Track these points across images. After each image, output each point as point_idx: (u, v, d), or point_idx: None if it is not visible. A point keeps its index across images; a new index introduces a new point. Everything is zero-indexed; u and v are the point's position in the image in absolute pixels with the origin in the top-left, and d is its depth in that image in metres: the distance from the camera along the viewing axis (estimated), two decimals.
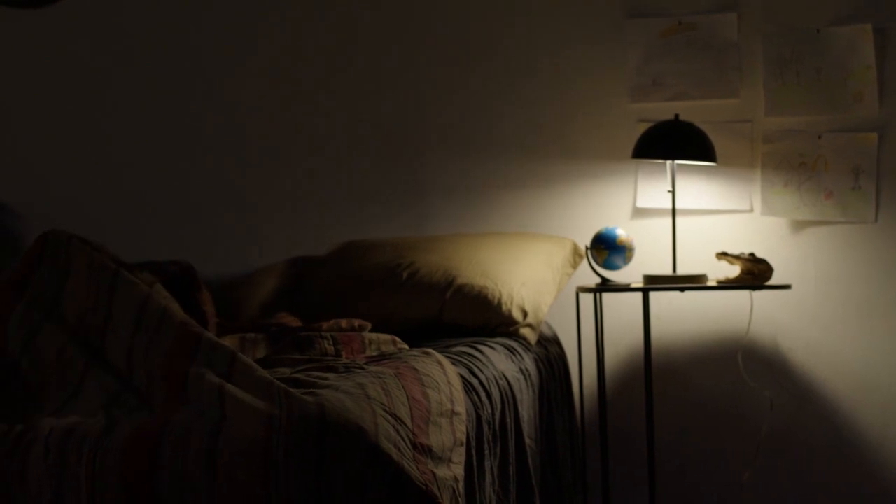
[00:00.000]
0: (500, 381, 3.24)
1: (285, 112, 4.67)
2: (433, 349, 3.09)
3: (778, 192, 4.29)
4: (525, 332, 3.87)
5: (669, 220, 4.18)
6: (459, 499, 2.50)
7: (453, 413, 2.70)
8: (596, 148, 4.43)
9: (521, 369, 3.53)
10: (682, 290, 4.05)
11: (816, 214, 4.26)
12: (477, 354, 3.36)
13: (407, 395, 2.57)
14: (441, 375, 2.82)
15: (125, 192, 4.76)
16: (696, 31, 4.35)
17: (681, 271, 4.13)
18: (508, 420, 3.20)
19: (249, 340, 3.30)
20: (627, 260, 4.07)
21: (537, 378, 3.69)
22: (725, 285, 4.01)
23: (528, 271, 4.02)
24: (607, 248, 4.05)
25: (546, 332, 4.18)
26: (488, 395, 3.07)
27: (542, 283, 4.03)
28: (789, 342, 4.33)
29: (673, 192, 4.13)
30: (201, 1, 4.71)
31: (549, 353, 4.02)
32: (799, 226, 4.31)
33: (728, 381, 4.33)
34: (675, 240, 4.12)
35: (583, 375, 4.31)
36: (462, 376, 2.99)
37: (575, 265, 4.24)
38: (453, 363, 3.05)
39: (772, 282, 4.00)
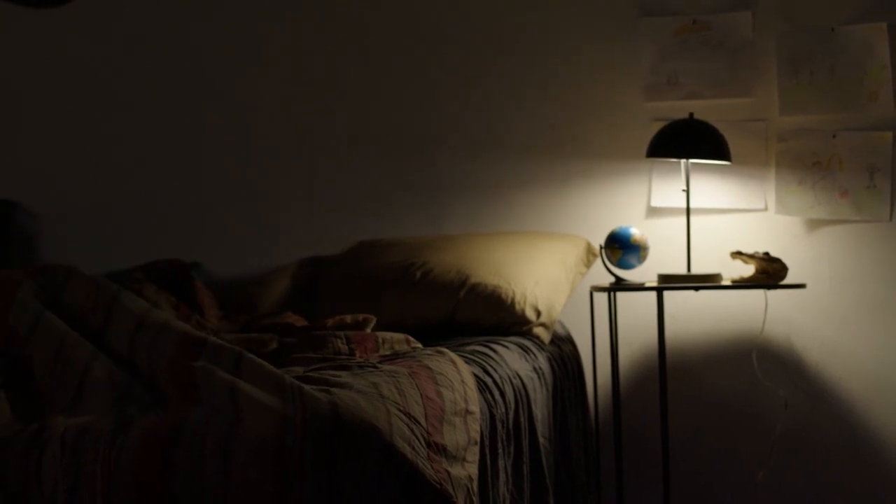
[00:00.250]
0: (514, 381, 3.24)
1: (298, 112, 4.67)
2: (447, 348, 3.09)
3: (792, 190, 4.28)
4: (539, 331, 3.87)
5: (684, 219, 4.17)
6: (474, 498, 2.50)
7: (467, 412, 2.70)
8: (610, 147, 4.42)
9: (534, 368, 3.53)
10: (696, 289, 4.04)
11: (831, 213, 4.24)
12: (490, 353, 3.36)
13: (421, 394, 2.57)
14: (455, 374, 2.82)
15: (137, 192, 4.76)
16: (710, 29, 4.34)
17: (695, 270, 4.12)
18: (522, 419, 3.19)
19: (255, 340, 3.29)
20: (642, 259, 4.07)
21: (551, 377, 3.69)
22: (740, 284, 4.00)
23: (542, 270, 4.02)
24: (621, 248, 4.04)
25: (560, 331, 4.18)
26: (502, 394, 3.07)
27: (556, 282, 4.03)
28: (804, 341, 4.32)
29: (687, 191, 4.12)
30: None
31: (563, 352, 4.02)
32: (813, 225, 4.29)
33: (742, 380, 4.32)
34: (689, 239, 4.11)
35: (597, 375, 4.30)
36: (476, 375, 2.99)
37: (589, 264, 4.24)
38: (467, 362, 3.05)
39: (786, 281, 3.99)
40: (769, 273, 3.97)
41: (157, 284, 4.04)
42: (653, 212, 4.41)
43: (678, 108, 4.26)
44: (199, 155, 4.75)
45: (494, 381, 3.08)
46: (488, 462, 2.82)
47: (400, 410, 2.42)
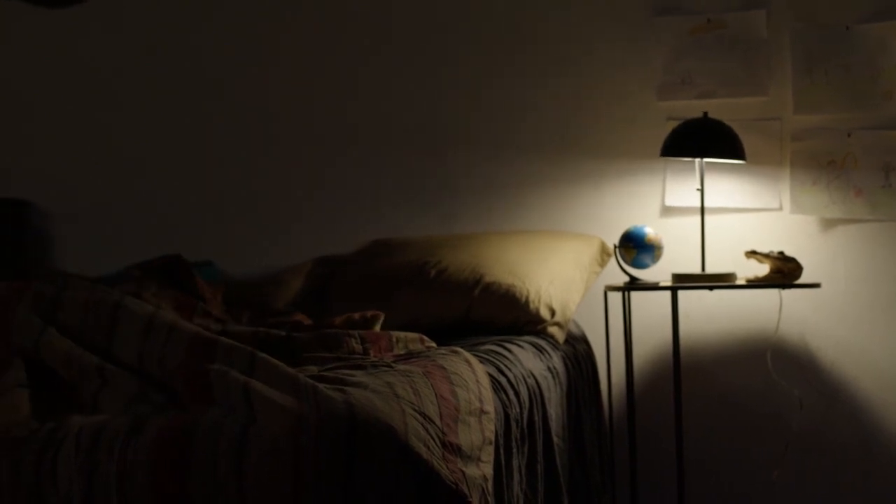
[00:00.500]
0: (528, 380, 3.24)
1: (312, 111, 4.67)
2: (461, 347, 3.09)
3: (807, 190, 4.27)
4: (553, 330, 3.87)
5: (698, 218, 4.16)
6: (488, 497, 2.50)
7: (482, 412, 2.70)
8: (624, 146, 4.42)
9: (548, 368, 3.53)
10: (710, 288, 4.03)
11: (846, 212, 4.23)
12: (505, 353, 3.35)
13: (435, 394, 2.57)
14: (469, 374, 2.82)
15: (150, 191, 4.78)
16: (724, 28, 4.33)
17: (709, 270, 4.11)
18: (536, 418, 3.19)
19: (263, 333, 3.27)
20: (656, 258, 4.06)
21: (565, 376, 3.69)
22: (754, 284, 3.99)
23: (556, 269, 4.02)
24: (636, 247, 4.04)
25: (574, 330, 4.18)
26: (516, 394, 3.07)
27: (570, 281, 4.03)
28: (818, 341, 4.31)
29: (702, 191, 4.11)
30: None
31: (577, 351, 4.02)
32: (828, 224, 4.28)
33: (757, 380, 4.32)
34: (703, 238, 4.10)
35: (611, 374, 4.29)
36: (490, 375, 2.99)
37: (603, 264, 4.24)
38: (481, 361, 3.05)
39: (801, 280, 3.98)
40: (784, 272, 3.96)
41: (157, 280, 4.03)
42: (667, 211, 4.41)
43: (692, 108, 4.25)
44: (214, 155, 4.76)
45: (509, 381, 3.08)
46: (503, 462, 2.82)
47: (415, 410, 2.42)
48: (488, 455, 2.62)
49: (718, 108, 4.21)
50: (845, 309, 4.29)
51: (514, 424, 2.97)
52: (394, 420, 2.32)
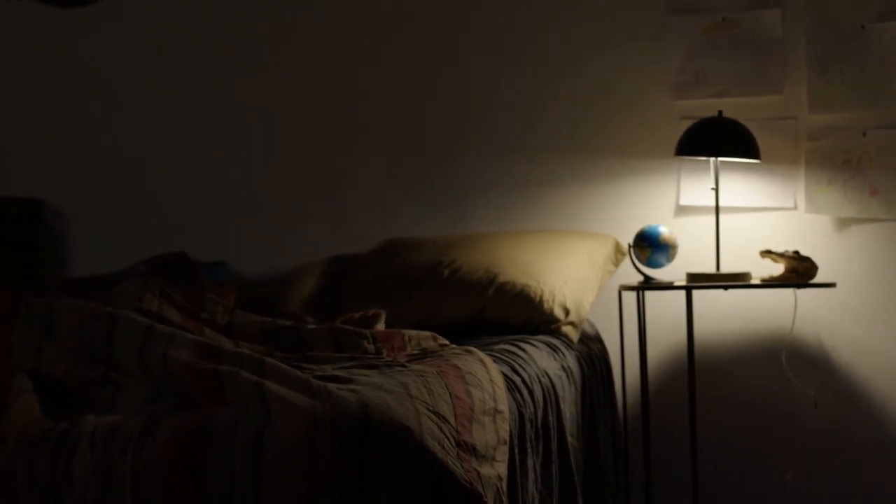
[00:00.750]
0: (543, 379, 3.24)
1: (325, 111, 4.67)
2: (475, 347, 3.08)
3: (822, 189, 4.26)
4: (567, 329, 3.86)
5: (713, 217, 4.15)
6: (503, 497, 2.50)
7: (496, 411, 2.69)
8: (638, 145, 4.41)
9: (563, 367, 3.53)
10: (725, 288, 4.02)
11: (861, 212, 4.22)
12: (519, 352, 3.35)
13: (450, 394, 2.56)
14: (484, 373, 2.82)
15: (163, 192, 4.78)
16: (739, 27, 4.32)
17: (724, 269, 4.10)
18: (551, 418, 3.19)
19: (270, 322, 3.24)
20: (670, 258, 4.06)
21: (579, 376, 3.68)
22: (769, 283, 3.98)
23: (570, 269, 4.01)
24: (650, 246, 4.04)
25: (588, 329, 4.17)
26: (531, 394, 3.07)
27: (585, 280, 4.02)
28: (834, 341, 4.29)
29: (716, 190, 4.10)
30: None
31: (592, 351, 4.01)
32: (843, 223, 4.27)
33: (772, 379, 4.30)
34: (718, 237, 4.09)
35: (625, 374, 4.29)
36: (504, 374, 2.98)
37: (617, 263, 4.23)
38: (495, 361, 3.04)
39: (816, 280, 3.97)
40: (799, 272, 3.95)
41: (163, 277, 4.03)
42: (681, 210, 4.40)
43: (707, 107, 4.24)
44: (225, 155, 4.76)
45: (523, 380, 3.08)
46: (517, 461, 2.81)
47: (429, 410, 2.41)
48: (503, 455, 2.62)
49: (733, 107, 4.19)
50: (860, 309, 4.27)
51: (528, 424, 2.96)
52: (408, 420, 2.31)
